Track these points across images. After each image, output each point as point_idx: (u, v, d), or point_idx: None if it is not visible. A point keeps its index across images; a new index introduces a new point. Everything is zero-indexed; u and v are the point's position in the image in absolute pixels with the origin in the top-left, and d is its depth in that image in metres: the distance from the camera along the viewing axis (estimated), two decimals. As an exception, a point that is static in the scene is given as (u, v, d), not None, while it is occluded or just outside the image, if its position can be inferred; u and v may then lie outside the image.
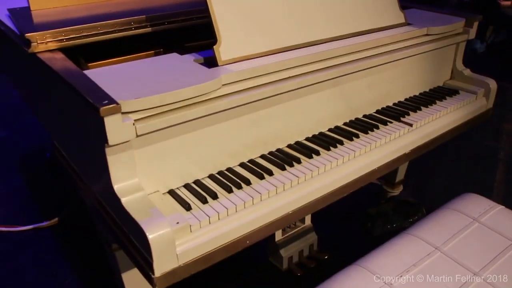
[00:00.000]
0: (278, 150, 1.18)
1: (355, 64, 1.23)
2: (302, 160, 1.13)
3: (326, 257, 1.68)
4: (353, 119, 1.35)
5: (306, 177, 1.08)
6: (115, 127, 0.82)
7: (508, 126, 2.90)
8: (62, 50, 1.15)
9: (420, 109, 1.42)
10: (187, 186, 1.02)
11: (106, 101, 0.81)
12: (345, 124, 1.32)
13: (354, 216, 1.98)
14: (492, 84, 1.56)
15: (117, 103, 0.81)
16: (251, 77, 1.04)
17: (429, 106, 1.45)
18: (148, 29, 1.27)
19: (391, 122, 1.34)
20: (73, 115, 1.02)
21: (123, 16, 1.26)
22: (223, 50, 1.04)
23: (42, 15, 1.30)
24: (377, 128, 1.30)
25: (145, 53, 1.30)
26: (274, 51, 1.13)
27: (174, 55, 1.12)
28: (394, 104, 1.46)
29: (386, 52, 1.32)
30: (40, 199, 2.16)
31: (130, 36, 1.25)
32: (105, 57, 1.29)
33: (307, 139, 1.24)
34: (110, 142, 0.83)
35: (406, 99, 1.50)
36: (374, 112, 1.40)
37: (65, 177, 1.29)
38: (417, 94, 1.55)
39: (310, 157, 1.14)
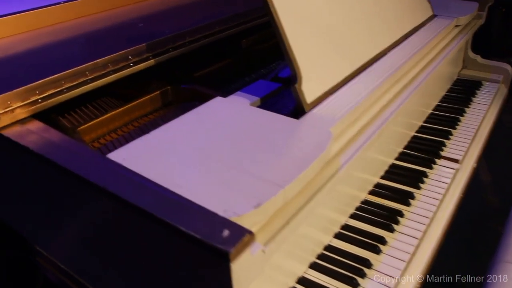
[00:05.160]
0: (366, 202, 0.91)
1: (425, 72, 1.00)
2: (403, 211, 0.88)
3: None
4: (410, 139, 1.13)
5: (418, 234, 0.83)
6: (245, 269, 0.47)
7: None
8: (36, 115, 0.72)
9: (465, 111, 1.26)
10: (315, 267, 0.72)
11: (227, 232, 0.45)
12: (407, 148, 1.09)
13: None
14: (510, 69, 1.46)
15: (249, 231, 0.46)
16: (356, 119, 0.74)
17: (469, 106, 1.29)
18: (151, 62, 0.88)
19: (451, 134, 1.14)
20: (114, 240, 0.61)
21: (106, 46, 0.86)
22: (307, 89, 0.72)
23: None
24: (444, 145, 1.10)
25: (147, 96, 0.90)
26: (352, 74, 0.84)
27: (218, 100, 0.76)
28: (434, 110, 1.27)
29: (439, 52, 1.11)
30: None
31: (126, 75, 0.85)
32: (78, 106, 0.88)
33: (384, 178, 0.98)
34: (234, 288, 0.48)
35: (441, 102, 1.32)
36: (424, 124, 1.19)
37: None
38: (443, 93, 1.38)
39: (408, 203, 0.90)
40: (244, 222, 0.49)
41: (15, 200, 0.76)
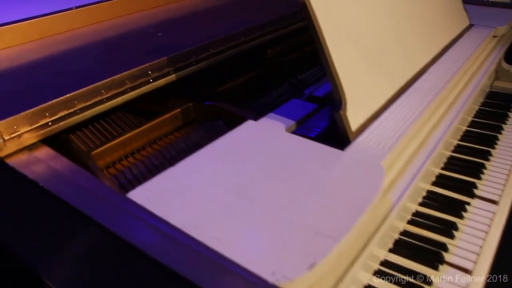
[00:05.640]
0: (406, 233, 0.83)
1: (468, 89, 0.92)
2: (448, 245, 0.80)
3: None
4: (446, 160, 1.04)
5: (463, 278, 0.75)
6: None
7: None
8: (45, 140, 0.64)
9: (503, 128, 1.17)
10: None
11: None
12: (445, 169, 1.01)
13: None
14: (545, 82, 1.38)
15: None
16: (404, 147, 0.66)
17: (506, 122, 1.21)
18: (172, 77, 0.80)
19: (490, 155, 1.06)
20: None
21: (123, 58, 0.78)
22: (352, 115, 0.64)
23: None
24: (484, 167, 1.02)
25: (167, 115, 0.81)
26: (395, 95, 0.76)
27: (250, 125, 0.68)
28: (469, 126, 1.19)
29: (479, 66, 1.03)
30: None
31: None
32: (90, 122, 0.80)
33: (422, 204, 0.90)
34: None
35: (475, 117, 1.24)
36: (460, 142, 1.11)
37: None
38: (477, 108, 1.29)
39: (451, 235, 0.82)
40: (296, 287, 0.41)
41: (21, 231, 0.69)
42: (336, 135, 0.66)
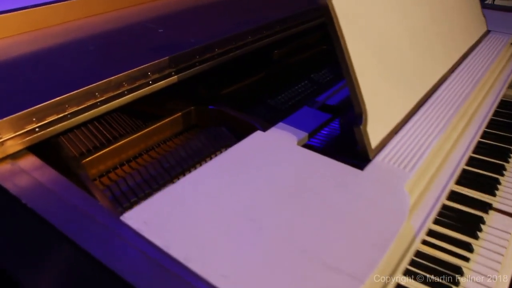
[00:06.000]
0: (419, 254, 0.77)
1: (489, 100, 0.87)
2: (463, 268, 0.75)
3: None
4: (459, 175, 0.99)
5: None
6: None
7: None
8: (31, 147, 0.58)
9: (518, 141, 1.12)
10: None
11: None
12: (459, 183, 0.96)
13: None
14: (560, 92, 1.33)
15: None
16: (427, 168, 0.61)
17: (522, 133, 1.16)
18: (173, 79, 0.74)
19: (504, 169, 1.01)
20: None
21: (122, 57, 0.72)
22: (372, 130, 0.59)
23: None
24: (499, 183, 0.96)
25: (167, 119, 0.75)
26: (415, 107, 0.70)
27: (258, 136, 0.62)
28: (481, 137, 1.14)
29: (498, 76, 0.98)
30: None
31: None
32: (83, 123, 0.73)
33: (436, 222, 0.85)
34: None
35: (487, 128, 1.19)
36: (473, 155, 1.06)
37: None
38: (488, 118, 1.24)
39: (466, 259, 0.76)
40: None
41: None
42: (352, 149, 0.61)
